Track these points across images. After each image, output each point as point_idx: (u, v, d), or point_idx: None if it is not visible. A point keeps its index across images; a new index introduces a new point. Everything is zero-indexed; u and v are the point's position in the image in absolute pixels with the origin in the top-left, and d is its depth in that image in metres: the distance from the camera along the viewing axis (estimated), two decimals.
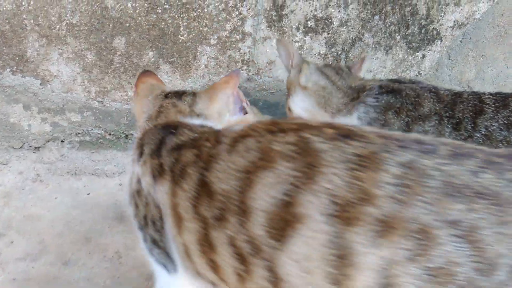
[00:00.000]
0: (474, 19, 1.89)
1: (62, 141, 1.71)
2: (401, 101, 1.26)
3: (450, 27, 1.88)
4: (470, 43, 1.96)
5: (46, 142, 1.69)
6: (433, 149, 0.63)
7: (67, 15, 1.48)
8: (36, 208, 1.50)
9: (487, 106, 1.19)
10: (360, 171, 0.61)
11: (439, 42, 1.90)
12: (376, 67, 1.89)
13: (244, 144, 0.74)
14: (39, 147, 1.69)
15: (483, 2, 1.86)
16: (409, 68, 1.93)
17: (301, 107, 1.50)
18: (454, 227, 0.57)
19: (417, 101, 1.24)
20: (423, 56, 1.92)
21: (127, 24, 1.54)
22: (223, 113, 1.03)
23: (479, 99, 1.22)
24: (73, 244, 1.40)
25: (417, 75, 1.97)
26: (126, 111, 1.71)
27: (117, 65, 1.61)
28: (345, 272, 0.60)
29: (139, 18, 1.54)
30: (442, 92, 1.25)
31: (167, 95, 1.02)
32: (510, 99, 1.19)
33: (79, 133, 1.72)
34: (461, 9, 1.84)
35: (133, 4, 1.51)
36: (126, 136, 1.77)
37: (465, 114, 1.20)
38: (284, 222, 0.64)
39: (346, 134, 0.66)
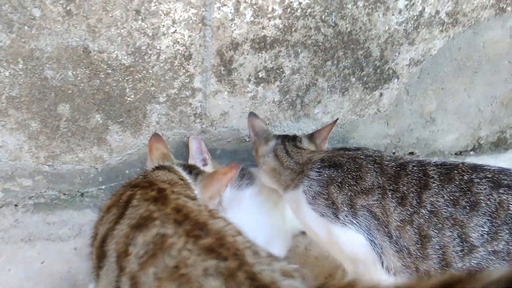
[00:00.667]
0: (430, 55, 1.87)
1: (16, 205, 1.69)
2: (343, 175, 1.25)
3: (406, 65, 1.86)
4: (428, 78, 1.93)
5: (0, 208, 1.67)
6: None
7: (6, 89, 1.45)
8: None
9: (432, 180, 1.17)
10: None
11: (396, 80, 1.88)
12: (333, 109, 1.87)
13: None
14: None
15: (438, 39, 1.83)
16: (368, 107, 1.92)
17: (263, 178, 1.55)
18: None
19: (358, 174, 1.23)
20: (381, 94, 1.90)
21: (70, 91, 1.51)
22: (214, 197, 1.20)
23: (423, 172, 1.19)
24: None
25: (376, 113, 1.95)
26: (78, 171, 1.69)
27: (64, 130, 1.58)
28: None
29: (82, 85, 1.51)
30: (386, 163, 1.23)
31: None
32: (455, 171, 1.16)
33: (32, 196, 1.69)
34: (416, 48, 1.82)
35: (74, 72, 1.48)
36: (82, 194, 1.75)
37: (410, 188, 1.18)
38: None
39: None
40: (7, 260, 1.56)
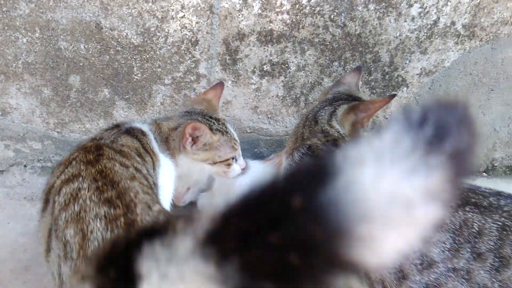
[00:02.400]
0: (444, 67, 1.83)
1: (25, 165, 1.81)
2: None
3: (417, 74, 1.83)
4: (440, 90, 1.90)
5: (10, 166, 1.80)
6: None
7: (23, 55, 1.56)
8: None
9: None
10: None
11: (405, 88, 1.86)
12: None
13: None
14: (3, 171, 1.80)
15: (452, 51, 1.80)
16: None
17: None
18: None
19: None
20: None
21: (81, 64, 1.61)
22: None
23: None
24: (11, 272, 1.49)
25: (383, 119, 1.94)
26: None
27: (74, 100, 1.68)
28: None
29: (92, 59, 1.60)
30: None
31: None
32: None
33: (40, 159, 1.81)
34: (428, 57, 1.79)
35: (86, 46, 1.57)
36: None
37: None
38: None
39: None
40: (8, 215, 1.68)
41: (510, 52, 1.85)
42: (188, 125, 1.28)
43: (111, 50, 1.59)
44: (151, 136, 1.32)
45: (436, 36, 1.75)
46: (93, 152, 1.12)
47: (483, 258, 1.01)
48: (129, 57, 1.62)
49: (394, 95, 1.35)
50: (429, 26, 1.72)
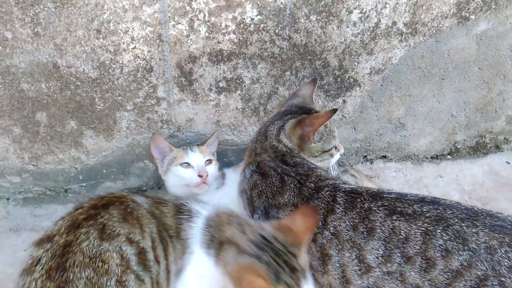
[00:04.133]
0: (392, 64, 1.92)
1: (7, 199, 1.92)
2: (264, 186, 1.36)
3: (367, 73, 1.92)
4: (392, 86, 1.99)
5: None
6: None
7: None
8: None
9: (338, 205, 1.25)
10: None
11: (358, 88, 1.95)
12: None
13: None
14: None
15: (398, 48, 1.88)
16: None
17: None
18: None
19: (279, 191, 1.34)
20: (344, 101, 1.98)
21: (45, 101, 1.70)
22: None
23: (332, 197, 1.27)
24: None
25: (341, 118, 2.03)
26: (60, 170, 1.89)
27: (43, 134, 1.78)
28: None
29: (55, 95, 1.70)
30: (307, 184, 1.32)
31: None
32: (358, 199, 1.24)
33: (21, 191, 1.92)
34: (376, 57, 1.88)
35: (47, 85, 1.67)
36: (66, 191, 1.96)
37: (319, 210, 1.27)
38: None
39: None
40: None
41: (454, 42, 1.93)
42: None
43: (71, 85, 1.69)
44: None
45: (380, 37, 1.83)
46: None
47: (412, 261, 1.11)
48: (89, 90, 1.71)
49: (336, 110, 1.44)
50: (371, 28, 1.80)
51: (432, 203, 1.16)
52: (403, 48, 1.88)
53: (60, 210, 1.95)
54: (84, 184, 1.96)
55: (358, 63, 1.88)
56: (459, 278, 1.05)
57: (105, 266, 1.03)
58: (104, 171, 1.94)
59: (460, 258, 1.06)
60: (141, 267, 1.07)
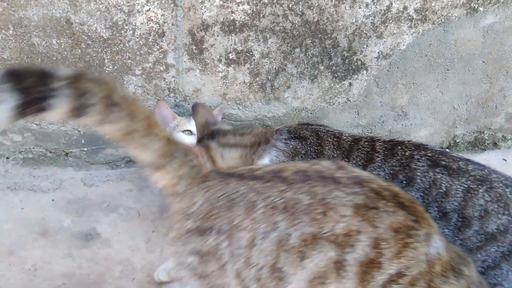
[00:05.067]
0: (400, 49, 1.95)
1: (7, 157, 1.91)
2: (306, 148, 1.37)
3: (375, 57, 1.94)
4: (398, 72, 2.01)
5: None
6: None
7: None
8: None
9: (377, 154, 1.26)
10: None
11: (364, 71, 1.97)
12: (303, 95, 1.98)
13: None
14: None
15: (407, 34, 1.91)
16: (337, 95, 2.02)
17: None
18: None
19: (319, 149, 1.35)
20: (350, 84, 2.00)
21: (54, 58, 1.70)
22: None
23: (371, 147, 1.29)
24: None
25: (346, 102, 2.05)
26: (63, 132, 1.88)
27: None
28: None
29: (65, 53, 1.69)
30: (344, 137, 1.34)
31: None
32: (399, 147, 1.25)
33: (22, 151, 1.90)
34: (384, 41, 1.90)
35: (58, 41, 1.66)
36: (66, 154, 1.94)
37: (358, 161, 1.28)
38: None
39: None
40: None
41: (461, 33, 1.96)
42: None
43: (82, 44, 1.69)
44: None
45: (390, 21, 1.86)
46: None
47: (447, 218, 1.11)
48: (99, 50, 1.71)
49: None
50: (383, 11, 1.83)
51: (478, 164, 1.16)
52: (412, 34, 1.91)
53: (60, 173, 1.94)
54: (85, 149, 1.95)
55: (367, 46, 1.90)
56: (493, 242, 1.05)
57: None
58: (106, 136, 1.92)
59: (498, 222, 1.05)
60: None
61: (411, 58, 1.99)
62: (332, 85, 1.98)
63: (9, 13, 1.58)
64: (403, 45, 1.94)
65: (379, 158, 1.25)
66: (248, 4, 1.71)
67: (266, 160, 1.45)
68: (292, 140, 1.42)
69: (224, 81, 1.88)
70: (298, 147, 1.40)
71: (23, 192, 1.84)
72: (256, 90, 1.93)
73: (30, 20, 1.60)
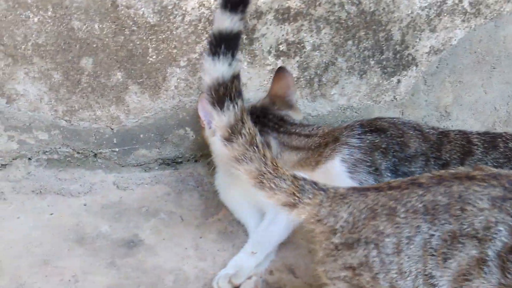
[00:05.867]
0: (451, 45, 1.88)
1: (29, 158, 1.70)
2: (387, 141, 1.25)
3: (426, 53, 1.87)
4: (446, 69, 1.94)
5: (13, 159, 1.68)
6: None
7: (33, 35, 1.48)
8: None
9: (475, 147, 1.18)
10: None
11: (414, 67, 1.89)
12: (350, 91, 1.87)
13: None
14: (5, 165, 1.68)
15: (459, 29, 1.84)
16: (384, 93, 1.92)
17: None
18: None
19: (402, 141, 1.23)
20: (398, 81, 1.91)
21: (94, 45, 1.54)
22: None
23: (467, 140, 1.20)
24: (30, 266, 1.39)
25: (392, 100, 1.96)
26: (94, 130, 1.70)
27: (85, 84, 1.60)
28: None
29: (106, 39, 1.53)
30: (427, 130, 1.24)
31: None
32: (499, 139, 1.17)
33: (46, 151, 1.71)
34: (437, 36, 1.83)
35: (100, 26, 1.51)
36: (95, 155, 1.76)
37: (452, 155, 1.19)
38: None
39: None
40: (16, 209, 1.57)
41: (511, 29, 1.91)
42: None
43: (126, 30, 1.53)
44: None
45: (445, 14, 1.79)
46: None
47: None
48: (144, 38, 1.56)
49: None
50: (439, 3, 1.76)
51: None
52: (464, 29, 1.85)
53: (89, 176, 1.75)
54: (116, 149, 1.77)
55: (419, 39, 1.82)
56: None
57: None
58: (141, 135, 1.76)
59: None
60: None
61: (460, 55, 1.92)
62: (380, 81, 1.88)
63: None
64: (455, 40, 1.87)
65: (478, 151, 1.16)
66: None
67: (336, 160, 1.31)
68: (368, 134, 1.30)
69: (272, 75, 1.75)
70: (376, 141, 1.27)
71: (50, 196, 1.65)
72: (303, 86, 1.81)
73: (72, 1, 1.44)
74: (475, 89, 2.04)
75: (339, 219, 0.95)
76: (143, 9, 1.51)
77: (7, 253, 1.41)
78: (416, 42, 1.82)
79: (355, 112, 1.94)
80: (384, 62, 1.84)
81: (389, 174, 1.22)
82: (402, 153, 1.23)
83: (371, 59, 1.82)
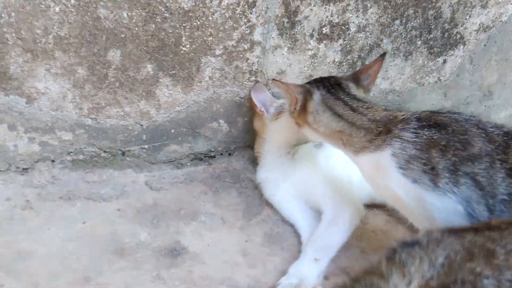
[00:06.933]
0: (501, 21, 1.74)
1: (52, 161, 1.56)
2: (447, 137, 1.12)
3: (475, 30, 1.73)
4: (494, 47, 1.81)
5: (35, 162, 1.54)
6: None
7: (54, 27, 1.31)
8: (27, 242, 1.35)
9: None
10: None
11: (462, 46, 1.75)
12: (394, 74, 1.74)
13: None
14: (27, 169, 1.54)
15: (511, 4, 1.70)
16: (429, 74, 1.79)
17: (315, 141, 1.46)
18: None
19: (465, 138, 1.10)
20: (444, 61, 1.78)
21: (123, 35, 1.37)
22: None
23: None
24: (70, 285, 1.27)
25: (436, 81, 1.83)
26: (122, 127, 1.56)
27: (112, 79, 1.44)
28: None
29: (136, 29, 1.37)
30: (491, 130, 1.11)
31: None
32: None
33: (71, 152, 1.56)
34: (488, 12, 1.69)
35: (129, 14, 1.34)
36: (123, 153, 1.62)
37: None
38: None
39: None
40: (46, 219, 1.44)
41: None
42: None
43: (157, 17, 1.37)
44: None
45: None
46: None
47: None
48: (177, 25, 1.40)
49: (385, 55, 1.37)
50: None
51: None
52: None
53: (118, 177, 1.62)
54: (146, 146, 1.63)
55: (470, 16, 1.68)
56: None
57: None
58: (172, 130, 1.62)
59: None
60: None
61: (509, 32, 1.79)
62: (426, 62, 1.75)
63: None
64: (505, 16, 1.73)
65: None
66: None
67: (386, 154, 1.17)
68: (426, 129, 1.16)
69: (312, 60, 1.61)
70: (435, 137, 1.14)
71: (80, 202, 1.51)
72: (345, 70, 1.67)
73: None
74: None
75: (435, 263, 0.88)
76: None
77: (43, 271, 1.29)
78: (466, 19, 1.68)
79: (398, 95, 1.82)
80: (431, 42, 1.70)
81: (447, 175, 1.10)
82: (464, 151, 1.10)
83: (418, 39, 1.68)
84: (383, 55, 1.36)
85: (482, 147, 1.08)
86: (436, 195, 1.09)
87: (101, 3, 1.30)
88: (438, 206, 1.10)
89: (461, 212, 1.08)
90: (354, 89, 1.33)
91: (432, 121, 1.15)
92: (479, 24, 1.71)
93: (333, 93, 1.30)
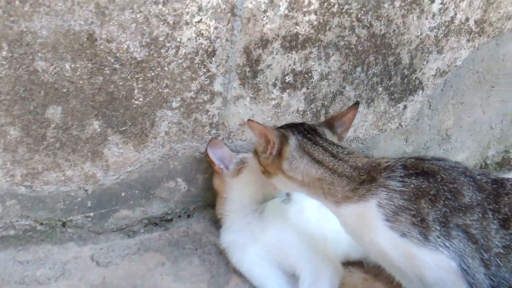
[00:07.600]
0: (455, 66, 1.75)
1: None
2: (436, 186, 1.03)
3: (432, 75, 1.73)
4: (450, 91, 1.82)
5: None
6: None
7: None
8: None
9: None
10: None
11: (421, 91, 1.74)
12: (357, 122, 1.68)
13: None
14: None
15: (464, 49, 1.73)
16: (391, 121, 1.75)
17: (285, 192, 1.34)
18: None
19: (455, 187, 1.02)
20: (405, 107, 1.75)
21: (65, 90, 1.19)
22: None
23: None
24: None
25: (398, 127, 1.79)
26: (63, 194, 1.34)
27: (51, 140, 1.24)
28: None
29: (81, 82, 1.20)
30: (478, 177, 1.05)
31: None
32: None
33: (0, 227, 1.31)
34: (444, 57, 1.70)
35: (72, 65, 1.16)
36: (63, 224, 1.39)
37: None
38: None
39: None
40: None
41: (511, 47, 1.84)
42: None
43: (106, 69, 1.20)
44: None
45: (452, 34, 1.66)
46: None
47: None
48: (129, 77, 1.24)
49: (358, 103, 1.31)
50: (447, 23, 1.62)
51: None
52: (468, 48, 1.74)
53: (58, 253, 1.38)
54: (91, 214, 1.41)
55: (427, 62, 1.68)
56: None
57: None
58: (123, 194, 1.43)
59: None
60: None
61: (463, 75, 1.81)
62: (387, 108, 1.71)
63: (5, 25, 1.06)
64: (459, 60, 1.75)
65: None
66: (315, 14, 1.38)
67: (372, 205, 1.08)
68: (413, 177, 1.08)
69: (276, 110, 1.51)
70: (424, 186, 1.06)
71: None
72: (309, 119, 1.59)
73: (36, 36, 1.09)
74: (475, 110, 1.95)
75: None
76: (128, 42, 1.19)
77: None
78: (423, 64, 1.68)
79: (361, 143, 1.75)
80: (392, 88, 1.67)
81: (438, 227, 1.01)
82: (455, 201, 1.03)
83: (379, 85, 1.64)
84: (357, 103, 1.29)
85: (472, 196, 1.01)
86: (427, 250, 0.99)
87: (39, 55, 1.12)
88: (430, 263, 1.00)
89: (454, 269, 0.99)
90: (330, 135, 1.23)
91: (419, 169, 1.06)
92: (436, 69, 1.71)
93: (310, 139, 1.19)
